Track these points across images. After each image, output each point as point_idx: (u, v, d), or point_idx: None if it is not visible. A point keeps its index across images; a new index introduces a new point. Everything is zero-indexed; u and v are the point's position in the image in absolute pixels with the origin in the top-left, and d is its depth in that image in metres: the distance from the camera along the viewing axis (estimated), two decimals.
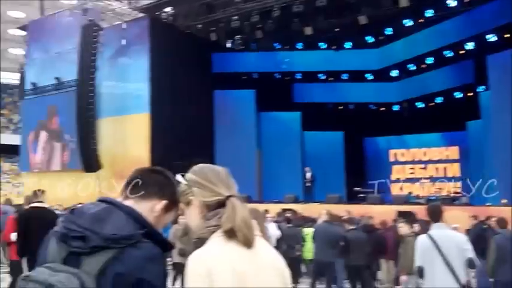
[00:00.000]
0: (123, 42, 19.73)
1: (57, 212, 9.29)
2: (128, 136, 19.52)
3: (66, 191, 19.41)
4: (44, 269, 1.63)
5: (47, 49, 22.75)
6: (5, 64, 44.21)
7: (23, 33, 26.65)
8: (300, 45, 23.12)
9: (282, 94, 22.50)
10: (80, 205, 1.87)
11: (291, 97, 23.66)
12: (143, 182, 1.85)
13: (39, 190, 7.41)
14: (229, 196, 1.78)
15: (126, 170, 18.65)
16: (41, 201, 7.25)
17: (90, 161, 19.35)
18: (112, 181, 18.98)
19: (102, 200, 1.78)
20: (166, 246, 1.76)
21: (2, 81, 46.23)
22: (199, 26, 20.20)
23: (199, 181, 1.82)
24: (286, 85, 23.51)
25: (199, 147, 18.14)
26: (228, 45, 22.19)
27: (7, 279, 10.39)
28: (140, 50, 19.41)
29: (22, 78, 24.75)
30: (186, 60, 19.69)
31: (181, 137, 18.88)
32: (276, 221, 11.17)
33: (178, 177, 1.87)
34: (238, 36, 21.41)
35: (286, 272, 1.80)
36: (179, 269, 9.09)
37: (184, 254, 5.95)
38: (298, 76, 23.71)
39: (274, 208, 14.57)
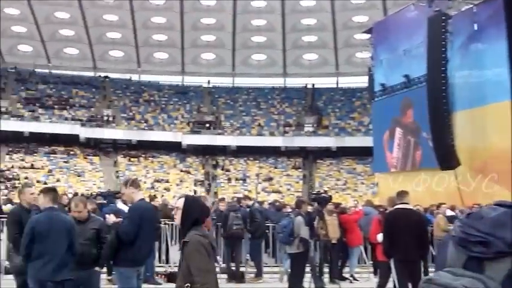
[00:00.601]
0: (475, 27, 19.10)
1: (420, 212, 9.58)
2: (487, 128, 18.74)
3: (421, 189, 19.73)
4: (446, 273, 1.69)
5: (394, 48, 23.70)
6: (353, 69, 47.99)
7: (368, 36, 28.30)
8: None
9: None
10: (474, 209, 1.88)
11: None
12: None
13: (403, 191, 7.75)
14: None
15: (487, 165, 17.98)
16: (406, 203, 7.56)
17: (446, 158, 19.23)
18: (470, 177, 18.53)
19: (499, 204, 1.76)
20: None
21: (351, 85, 50.33)
22: None
23: None
24: None
25: None
26: None
27: (372, 279, 11.21)
28: (496, 32, 18.40)
29: (371, 81, 26.34)
30: None
31: None
32: None
33: None
34: None
35: None
36: None
37: None
38: None
39: None
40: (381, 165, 24.98)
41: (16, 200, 20.98)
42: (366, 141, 34.55)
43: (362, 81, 40.08)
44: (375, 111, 26.67)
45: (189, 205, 3.76)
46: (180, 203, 3.81)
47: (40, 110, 45.10)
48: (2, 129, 42.40)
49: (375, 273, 11.40)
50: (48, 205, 5.88)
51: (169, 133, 45.18)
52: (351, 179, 41.72)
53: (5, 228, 13.03)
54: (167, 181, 40.99)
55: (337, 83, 51.90)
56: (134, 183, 6.26)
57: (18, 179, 37.72)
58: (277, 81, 52.87)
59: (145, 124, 45.92)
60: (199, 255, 3.53)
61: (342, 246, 11.38)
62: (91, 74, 51.92)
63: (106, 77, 51.06)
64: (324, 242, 10.67)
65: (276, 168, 44.33)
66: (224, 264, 11.61)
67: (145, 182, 37.90)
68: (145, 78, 52.76)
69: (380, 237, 8.13)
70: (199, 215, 3.78)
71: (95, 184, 39.00)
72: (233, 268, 11.19)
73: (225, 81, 53.12)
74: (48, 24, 46.35)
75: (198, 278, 3.47)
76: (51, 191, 6.07)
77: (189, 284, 3.51)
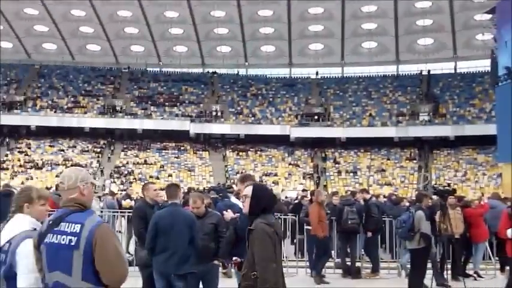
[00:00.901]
0: None
1: None
2: None
3: None
4: None
5: None
6: (473, 52, 45.78)
7: (490, 16, 26.90)
8: None
9: None
10: None
11: None
12: None
13: None
14: None
15: None
16: None
17: None
18: None
19: None
20: None
21: (470, 70, 48.07)
22: None
23: None
24: None
25: None
26: None
27: (499, 276, 10.76)
28: None
29: (494, 64, 25.03)
30: None
31: None
32: None
33: None
34: None
35: None
36: None
37: None
38: None
39: None
40: (506, 154, 23.69)
41: (133, 195, 22.24)
42: (488, 129, 33.03)
43: (483, 65, 38.20)
44: (500, 97, 25.31)
45: (258, 193, 3.76)
46: (249, 190, 3.79)
47: (152, 108, 47.37)
48: (117, 127, 45.17)
49: (501, 270, 10.93)
50: (170, 201, 6.20)
51: (277, 126, 45.68)
52: (471, 170, 39.85)
53: (123, 222, 13.85)
54: (275, 175, 41.49)
55: (455, 68, 49.89)
56: (249, 179, 6.42)
57: (133, 175, 39.89)
58: (390, 69, 51.76)
59: (253, 118, 46.75)
60: (263, 244, 3.53)
61: (465, 242, 10.97)
62: (199, 70, 53.72)
63: (214, 72, 52.60)
64: (447, 237, 10.33)
65: (388, 159, 43.43)
66: (339, 259, 11.60)
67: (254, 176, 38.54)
68: (252, 72, 53.73)
69: (510, 232, 7.76)
70: (267, 203, 3.77)
71: (204, 178, 40.36)
72: (348, 263, 11.15)
73: (334, 72, 52.81)
74: (158, 24, 48.49)
75: (259, 266, 3.48)
76: (173, 187, 6.38)
77: (255, 272, 3.52)
